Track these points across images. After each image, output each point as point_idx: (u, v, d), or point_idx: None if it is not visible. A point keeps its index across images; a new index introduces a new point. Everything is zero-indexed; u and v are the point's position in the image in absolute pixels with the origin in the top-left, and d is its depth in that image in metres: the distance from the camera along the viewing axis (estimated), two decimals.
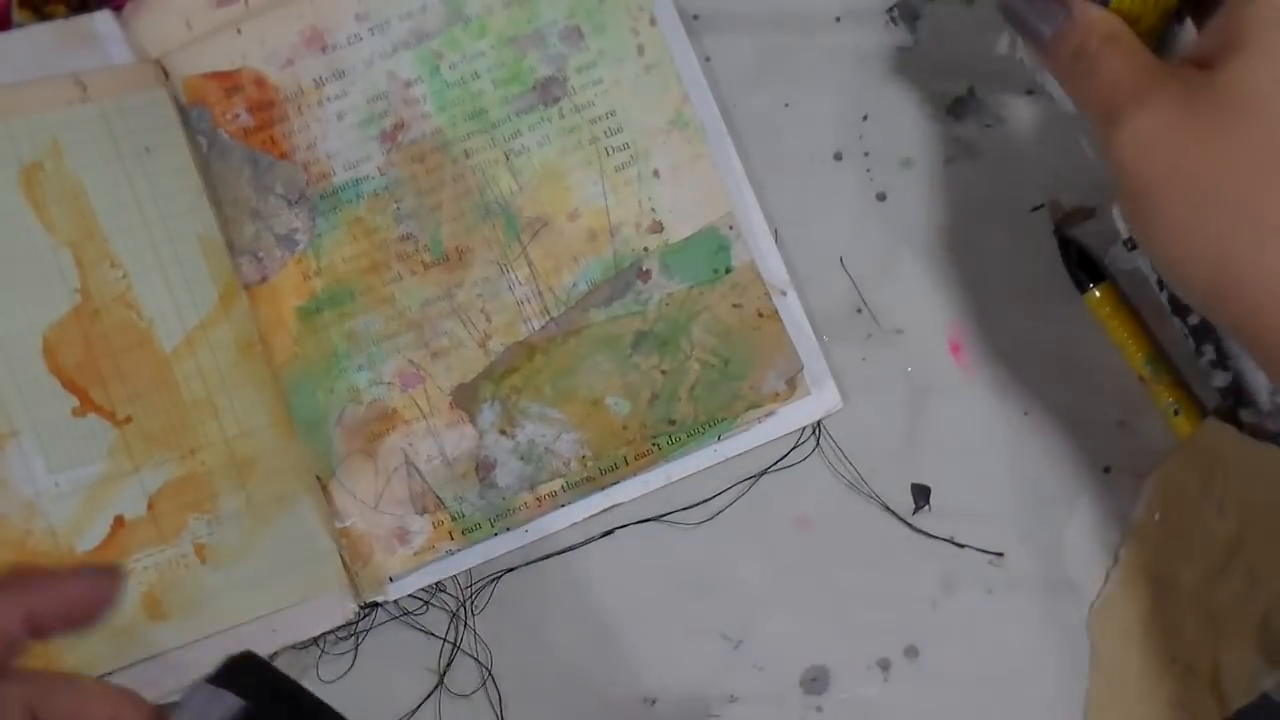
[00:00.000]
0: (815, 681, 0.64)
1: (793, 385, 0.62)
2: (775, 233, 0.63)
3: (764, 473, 0.63)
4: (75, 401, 0.57)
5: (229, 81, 0.62)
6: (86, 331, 0.58)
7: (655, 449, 0.62)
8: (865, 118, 0.64)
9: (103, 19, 0.61)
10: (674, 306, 0.62)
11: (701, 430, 0.62)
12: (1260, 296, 0.47)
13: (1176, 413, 0.63)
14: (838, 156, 0.64)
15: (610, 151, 0.63)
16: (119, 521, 0.58)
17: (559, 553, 0.64)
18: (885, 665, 0.63)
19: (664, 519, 0.64)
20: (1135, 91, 0.50)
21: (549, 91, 0.63)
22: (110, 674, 0.58)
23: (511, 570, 0.63)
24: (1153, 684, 0.63)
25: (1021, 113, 0.64)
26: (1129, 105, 0.49)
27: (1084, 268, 0.64)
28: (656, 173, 0.63)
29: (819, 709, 0.64)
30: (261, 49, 0.62)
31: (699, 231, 0.63)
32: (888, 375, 0.64)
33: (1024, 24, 0.54)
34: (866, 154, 0.64)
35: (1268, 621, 0.62)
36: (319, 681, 0.62)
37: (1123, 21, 0.53)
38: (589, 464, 0.62)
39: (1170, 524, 0.63)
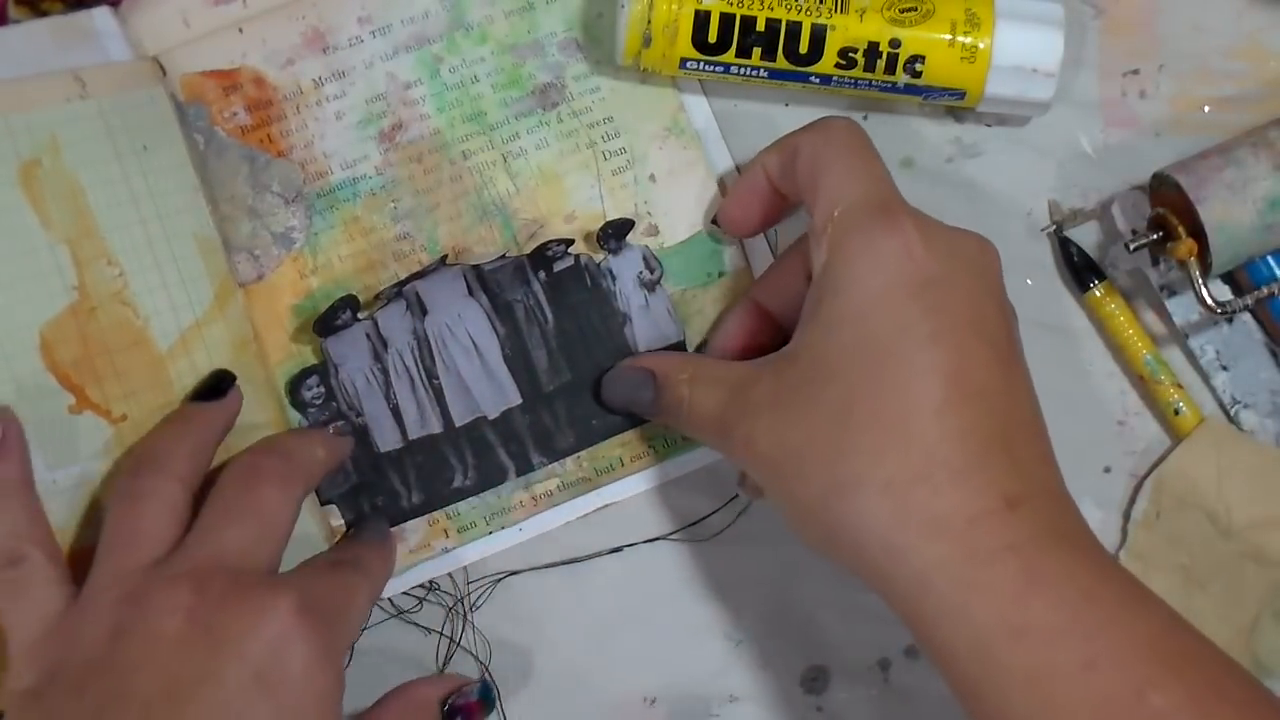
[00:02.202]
0: (815, 681, 0.66)
1: None
2: (775, 233, 0.66)
3: None
4: (71, 399, 0.59)
5: (227, 80, 0.64)
6: (83, 329, 0.59)
7: (651, 450, 0.65)
8: (865, 117, 0.66)
9: (100, 15, 0.63)
10: (670, 309, 0.65)
11: None
12: (859, 541, 0.52)
13: (1177, 413, 0.65)
14: None
15: (607, 156, 0.65)
16: None
17: (565, 562, 0.65)
18: (885, 665, 0.66)
19: (671, 537, 0.66)
20: (732, 405, 0.56)
21: (547, 97, 0.65)
22: None
23: (515, 573, 0.65)
24: None
25: None
26: (731, 419, 0.56)
27: (1084, 268, 0.66)
28: (653, 177, 0.65)
29: (819, 709, 0.66)
30: (262, 48, 0.64)
31: (694, 235, 0.66)
32: None
33: (629, 402, 0.62)
34: None
35: (1262, 622, 0.65)
36: None
37: (699, 357, 0.62)
38: (585, 464, 0.64)
39: (1170, 524, 0.65)
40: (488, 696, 0.62)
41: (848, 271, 0.54)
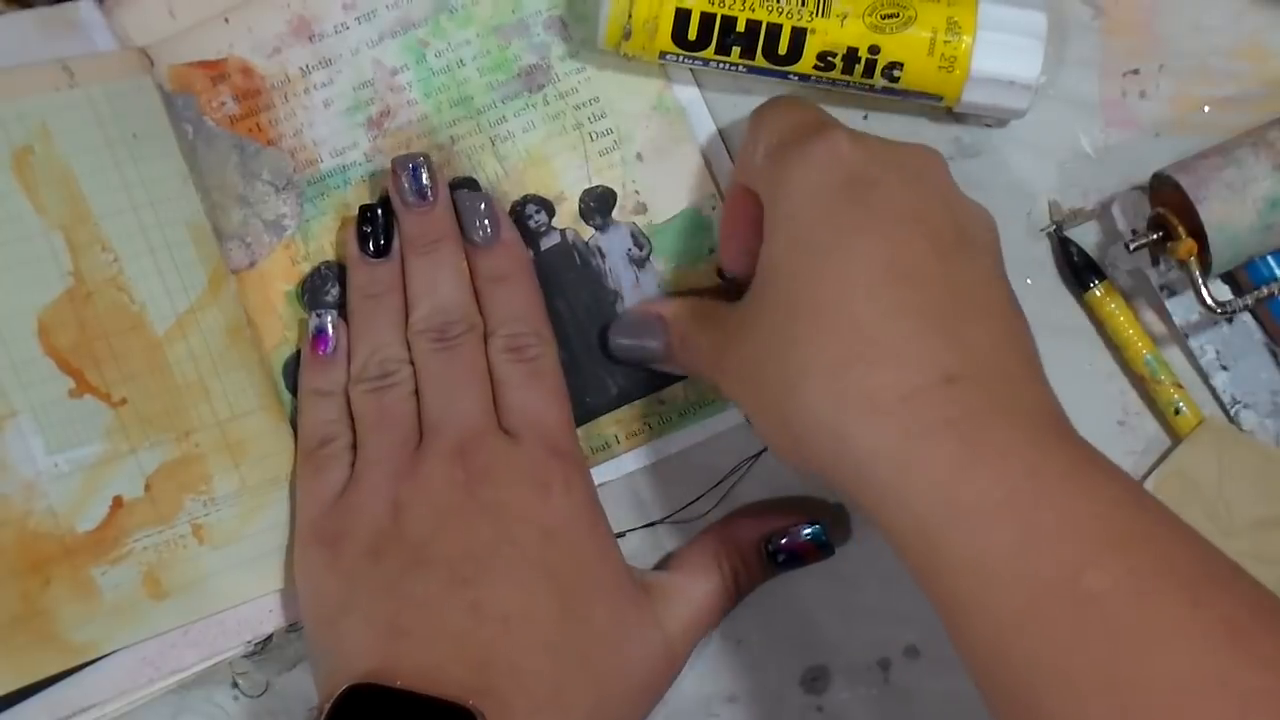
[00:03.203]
0: (815, 681, 0.67)
1: None
2: None
3: (760, 454, 0.67)
4: (71, 383, 0.61)
5: (214, 70, 0.66)
6: (80, 314, 0.61)
7: (647, 427, 0.67)
8: (865, 117, 0.68)
9: (86, 7, 0.64)
10: (660, 286, 0.67)
11: (692, 410, 0.67)
12: (813, 434, 0.53)
13: (1177, 413, 0.66)
14: None
15: (594, 136, 0.68)
16: (118, 502, 0.61)
17: None
18: (885, 665, 0.67)
19: (670, 520, 0.67)
20: (720, 336, 0.59)
21: (533, 79, 0.68)
22: (115, 653, 0.61)
23: None
24: None
25: None
26: (717, 348, 0.59)
27: (1084, 268, 0.67)
28: (640, 155, 0.68)
29: (819, 709, 0.67)
30: (249, 38, 0.66)
31: (682, 211, 0.68)
32: None
33: (642, 354, 0.65)
34: None
35: None
36: None
37: (699, 299, 0.64)
38: (580, 442, 0.65)
39: None
40: (820, 540, 0.64)
41: (784, 180, 0.56)
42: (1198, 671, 0.45)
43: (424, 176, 0.64)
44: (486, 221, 0.64)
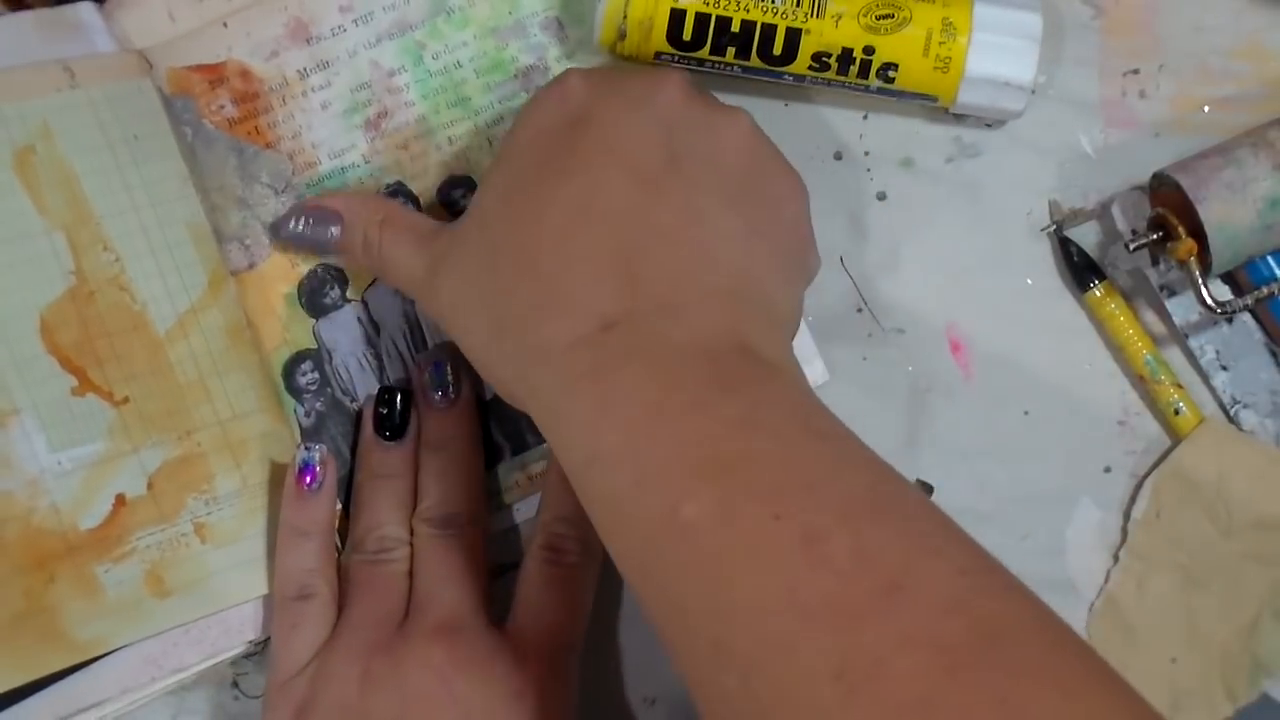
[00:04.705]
0: None
1: None
2: None
3: None
4: (74, 381, 0.62)
5: (213, 73, 0.68)
6: (82, 313, 0.63)
7: None
8: (865, 117, 0.70)
9: (86, 9, 0.67)
10: None
11: None
12: (507, 378, 0.56)
13: (1177, 413, 0.68)
14: (838, 156, 0.70)
15: None
16: (120, 500, 0.63)
17: None
18: None
19: None
20: (424, 255, 0.60)
21: (530, 80, 0.70)
22: (117, 651, 0.63)
23: (514, 565, 0.66)
24: (1154, 684, 0.67)
25: None
26: (423, 269, 0.60)
27: (1084, 267, 0.69)
28: None
29: None
30: (246, 41, 0.68)
31: None
32: (888, 375, 0.69)
33: (310, 243, 0.65)
34: (866, 154, 0.70)
35: (1262, 622, 0.68)
36: None
37: (394, 201, 0.65)
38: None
39: (1170, 524, 0.68)
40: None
41: (515, 125, 0.59)
42: (771, 587, 0.45)
43: (447, 374, 0.66)
44: None
